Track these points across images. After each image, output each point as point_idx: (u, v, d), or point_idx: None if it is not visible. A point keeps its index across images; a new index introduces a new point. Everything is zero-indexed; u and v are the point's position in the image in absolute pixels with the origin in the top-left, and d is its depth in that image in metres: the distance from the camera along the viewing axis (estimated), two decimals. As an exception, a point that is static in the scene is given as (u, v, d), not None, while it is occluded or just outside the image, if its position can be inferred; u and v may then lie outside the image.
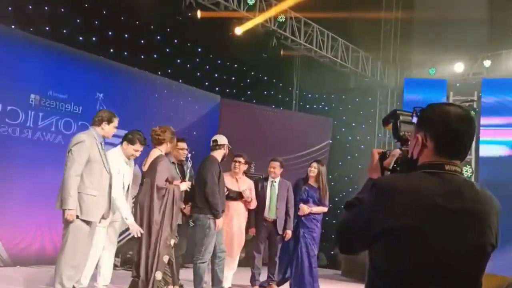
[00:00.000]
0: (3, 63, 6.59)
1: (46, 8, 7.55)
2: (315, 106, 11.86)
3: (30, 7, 7.35)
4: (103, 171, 4.66)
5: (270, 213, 6.49)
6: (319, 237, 6.42)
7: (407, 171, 1.66)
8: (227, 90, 10.47)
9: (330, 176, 8.49)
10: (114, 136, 5.09)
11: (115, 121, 4.84)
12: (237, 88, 10.76)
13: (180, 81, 9.26)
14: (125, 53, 8.54)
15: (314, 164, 6.47)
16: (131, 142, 5.16)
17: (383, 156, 1.82)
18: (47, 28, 7.48)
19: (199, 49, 10.04)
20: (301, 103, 11.95)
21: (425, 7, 9.95)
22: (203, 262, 5.45)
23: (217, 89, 10.12)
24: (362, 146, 11.14)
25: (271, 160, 6.65)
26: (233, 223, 6.16)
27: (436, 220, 1.52)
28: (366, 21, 10.36)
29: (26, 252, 6.70)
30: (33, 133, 6.91)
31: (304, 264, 6.19)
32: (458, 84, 10.36)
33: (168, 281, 4.82)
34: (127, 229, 5.53)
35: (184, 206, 5.57)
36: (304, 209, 6.29)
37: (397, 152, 1.80)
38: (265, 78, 11.42)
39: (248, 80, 11.16)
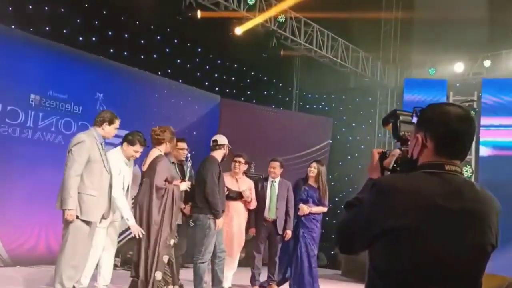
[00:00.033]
0: (3, 63, 6.59)
1: (46, 8, 7.56)
2: (315, 106, 11.85)
3: (30, 7, 7.35)
4: (103, 171, 4.66)
5: (270, 213, 6.48)
6: (319, 237, 6.42)
7: (407, 171, 1.66)
8: (227, 90, 10.47)
9: (330, 176, 8.50)
10: (114, 136, 5.09)
11: (117, 123, 4.85)
12: (237, 88, 10.76)
13: (180, 81, 9.26)
14: (125, 53, 8.54)
15: (314, 164, 6.46)
16: (131, 143, 5.16)
17: (383, 156, 1.82)
18: (47, 28, 7.48)
19: (199, 49, 10.04)
20: (301, 103, 11.95)
21: (425, 7, 9.95)
22: (203, 262, 5.46)
23: (217, 89, 10.12)
24: (362, 146, 11.14)
25: (271, 160, 6.65)
26: (233, 223, 6.16)
27: (436, 220, 1.52)
28: (366, 21, 10.36)
29: (26, 252, 6.70)
30: (33, 133, 6.91)
31: (304, 264, 6.19)
32: (458, 84, 10.36)
33: (168, 281, 4.82)
34: (127, 229, 5.54)
35: (184, 206, 5.57)
36: (304, 209, 6.28)
37: (397, 152, 1.80)
38: (265, 78, 11.42)
39: (248, 80, 11.16)
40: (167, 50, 9.42)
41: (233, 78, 10.78)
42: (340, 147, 11.02)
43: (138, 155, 5.27)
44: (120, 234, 5.99)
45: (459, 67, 10.22)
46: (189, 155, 5.83)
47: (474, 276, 1.58)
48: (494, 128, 9.28)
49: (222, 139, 5.77)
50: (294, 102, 11.96)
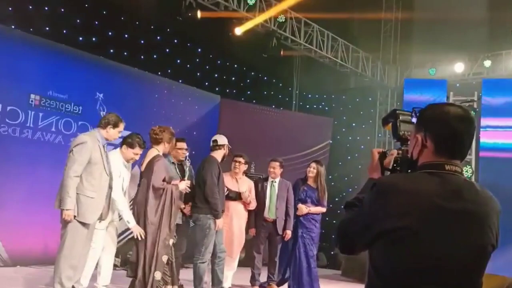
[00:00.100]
0: (3, 63, 6.59)
1: (46, 8, 7.55)
2: (315, 106, 11.85)
3: (30, 7, 7.35)
4: (103, 173, 4.65)
5: (270, 213, 6.48)
6: (318, 237, 6.41)
7: (407, 171, 1.66)
8: (227, 90, 10.46)
9: (330, 176, 8.50)
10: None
11: (121, 126, 4.84)
12: (237, 88, 10.75)
13: (180, 81, 9.26)
14: (125, 53, 8.54)
15: (313, 165, 6.46)
16: (131, 146, 5.14)
17: (383, 156, 1.82)
18: (47, 28, 7.47)
19: (199, 49, 10.04)
20: (301, 103, 11.95)
21: (425, 7, 9.96)
22: (203, 262, 5.45)
23: (217, 89, 10.11)
24: (362, 146, 11.13)
25: (271, 160, 6.65)
26: (233, 223, 6.16)
27: (437, 220, 1.51)
28: (366, 21, 10.38)
29: (26, 252, 6.69)
30: (33, 133, 6.91)
31: (302, 264, 6.19)
32: (458, 84, 10.35)
33: (167, 281, 4.81)
34: (127, 229, 5.53)
35: (183, 205, 5.57)
36: (302, 209, 6.28)
37: (395, 151, 1.80)
38: (265, 78, 11.42)
39: (248, 80, 11.16)
40: (167, 50, 9.42)
41: (233, 78, 10.78)
42: (340, 147, 11.01)
43: (137, 157, 5.26)
44: (120, 234, 5.99)
45: (459, 67, 10.21)
46: (187, 154, 5.82)
47: (474, 276, 1.58)
48: (494, 128, 9.28)
49: (222, 139, 5.76)
50: (294, 102, 11.97)
